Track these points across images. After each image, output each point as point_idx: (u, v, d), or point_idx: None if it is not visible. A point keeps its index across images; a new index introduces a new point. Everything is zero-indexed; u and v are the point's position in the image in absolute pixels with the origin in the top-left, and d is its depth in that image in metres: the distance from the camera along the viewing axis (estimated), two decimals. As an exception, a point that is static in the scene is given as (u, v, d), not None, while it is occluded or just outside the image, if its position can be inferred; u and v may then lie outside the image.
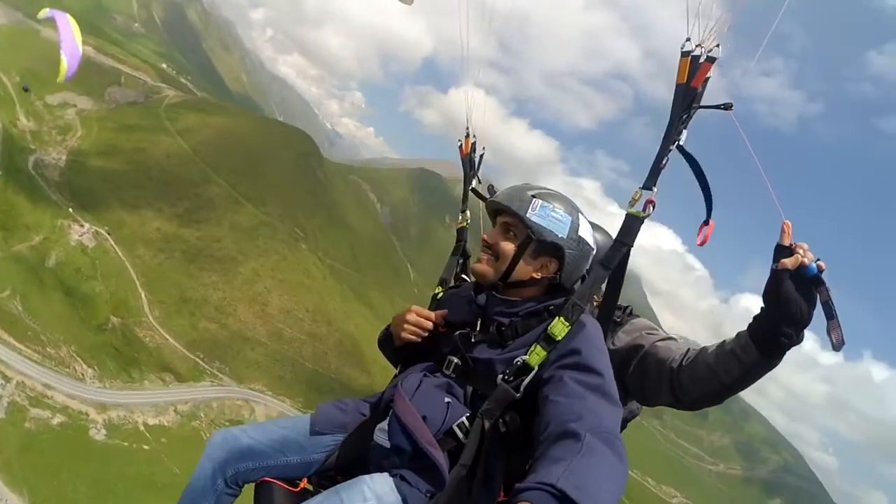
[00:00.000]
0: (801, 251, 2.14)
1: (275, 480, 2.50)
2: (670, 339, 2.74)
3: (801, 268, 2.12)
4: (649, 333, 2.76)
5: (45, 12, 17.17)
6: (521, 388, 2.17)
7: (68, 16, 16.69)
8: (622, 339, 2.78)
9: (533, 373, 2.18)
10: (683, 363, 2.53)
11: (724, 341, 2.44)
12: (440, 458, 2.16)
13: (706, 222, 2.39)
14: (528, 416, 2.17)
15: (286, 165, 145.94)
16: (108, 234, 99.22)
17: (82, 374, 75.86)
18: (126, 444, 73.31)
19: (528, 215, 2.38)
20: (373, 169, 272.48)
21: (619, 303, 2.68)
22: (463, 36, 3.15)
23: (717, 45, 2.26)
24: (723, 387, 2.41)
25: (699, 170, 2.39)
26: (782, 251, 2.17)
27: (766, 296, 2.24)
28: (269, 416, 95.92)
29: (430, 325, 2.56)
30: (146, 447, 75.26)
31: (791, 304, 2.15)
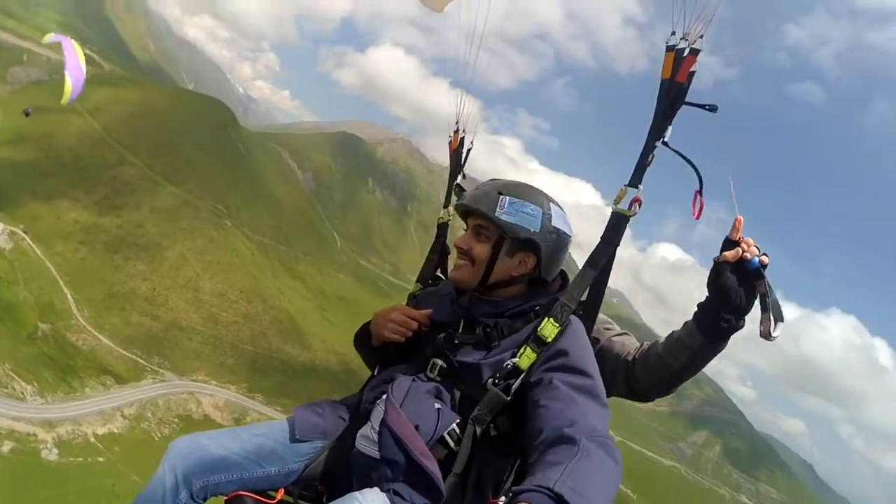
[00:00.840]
0: (744, 245, 2.20)
1: (248, 493, 2.32)
2: (625, 334, 2.78)
3: (743, 261, 2.20)
4: (606, 328, 2.77)
5: (50, 37, 17.81)
6: (511, 392, 2.14)
7: (72, 41, 17.24)
8: None
9: (522, 375, 2.15)
10: (637, 356, 2.58)
11: (673, 332, 2.49)
12: (435, 470, 2.07)
13: (699, 193, 2.32)
14: (517, 419, 2.16)
15: (202, 138, 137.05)
16: (25, 232, 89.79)
17: (22, 393, 69.60)
18: (80, 459, 68.89)
19: (497, 215, 2.32)
20: (291, 135, 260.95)
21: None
22: (467, 45, 3.03)
23: (701, 37, 2.22)
24: (673, 373, 2.47)
25: (688, 160, 2.33)
26: (729, 244, 2.23)
27: (708, 285, 2.28)
28: (217, 406, 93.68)
29: (415, 325, 2.48)
30: (101, 459, 71.20)
31: (731, 294, 2.22)
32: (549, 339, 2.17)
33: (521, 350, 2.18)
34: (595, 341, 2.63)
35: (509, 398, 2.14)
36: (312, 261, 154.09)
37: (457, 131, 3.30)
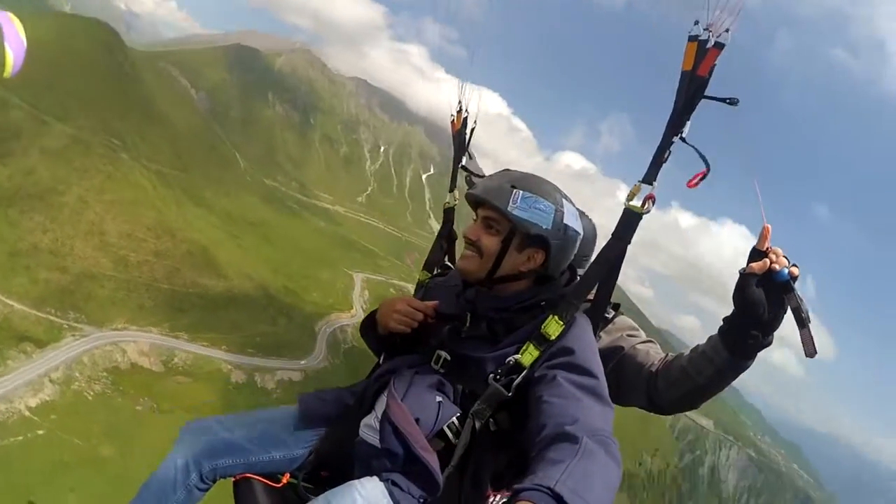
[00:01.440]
0: (773, 256, 2.11)
1: (256, 476, 2.41)
2: (649, 342, 2.72)
3: (771, 273, 2.09)
4: (630, 335, 2.72)
5: None
6: (513, 388, 2.12)
7: (9, 13, 20.00)
8: (603, 339, 2.67)
9: (524, 372, 2.12)
10: (660, 368, 2.53)
11: (698, 345, 2.42)
12: (434, 463, 2.08)
13: (704, 175, 2.21)
14: (518, 414, 2.15)
15: (87, 66, 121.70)
16: None
17: (-54, 382, 68.63)
18: (21, 437, 67.58)
19: (509, 209, 2.25)
20: (182, 51, 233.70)
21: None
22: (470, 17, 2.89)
23: (727, 31, 2.07)
24: (696, 387, 2.40)
25: (703, 156, 2.21)
26: (757, 254, 2.13)
27: (734, 298, 2.19)
28: (142, 352, 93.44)
29: (421, 316, 2.45)
30: (40, 432, 69.87)
31: (757, 308, 2.12)
32: (553, 337, 2.15)
33: (524, 346, 2.16)
34: (619, 349, 2.68)
35: (510, 394, 2.12)
36: (216, 186, 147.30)
37: (459, 111, 3.21)
